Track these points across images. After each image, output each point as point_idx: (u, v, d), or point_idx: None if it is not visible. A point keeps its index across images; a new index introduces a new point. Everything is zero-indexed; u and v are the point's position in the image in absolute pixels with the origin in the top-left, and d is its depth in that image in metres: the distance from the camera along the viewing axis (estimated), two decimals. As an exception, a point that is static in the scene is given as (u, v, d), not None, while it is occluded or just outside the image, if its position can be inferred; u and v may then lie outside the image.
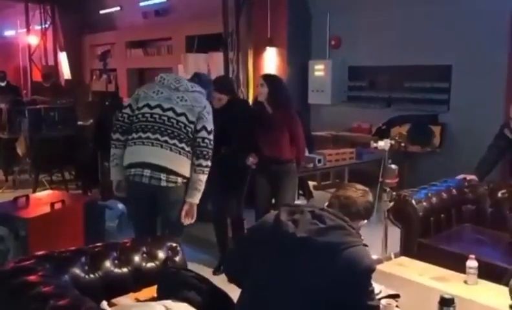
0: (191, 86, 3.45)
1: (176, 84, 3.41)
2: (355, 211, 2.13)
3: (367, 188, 2.25)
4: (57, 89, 9.92)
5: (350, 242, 1.92)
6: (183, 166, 3.32)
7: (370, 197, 2.22)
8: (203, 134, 3.34)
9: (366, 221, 2.19)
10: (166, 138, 3.29)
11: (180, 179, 3.32)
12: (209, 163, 3.38)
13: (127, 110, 3.44)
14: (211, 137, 3.38)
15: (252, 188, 4.36)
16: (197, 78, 3.72)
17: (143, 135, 3.32)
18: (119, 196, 3.75)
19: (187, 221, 3.40)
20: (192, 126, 3.34)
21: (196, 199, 3.38)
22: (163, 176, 3.27)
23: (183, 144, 3.31)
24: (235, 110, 4.18)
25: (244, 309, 2.03)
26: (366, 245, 1.99)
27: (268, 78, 4.33)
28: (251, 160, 4.17)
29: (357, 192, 2.19)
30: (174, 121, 3.32)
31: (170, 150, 3.28)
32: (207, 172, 3.38)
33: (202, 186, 3.38)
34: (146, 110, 3.36)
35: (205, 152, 3.34)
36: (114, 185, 3.55)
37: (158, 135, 3.29)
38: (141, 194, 3.38)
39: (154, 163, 3.28)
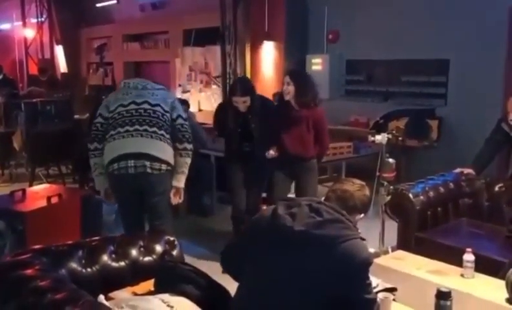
0: (157, 85, 3.60)
1: (143, 84, 3.54)
2: (352, 205, 2.13)
3: (364, 183, 2.26)
4: (53, 83, 9.90)
5: (347, 235, 1.92)
6: (165, 152, 3.38)
7: (367, 192, 2.23)
8: (180, 120, 3.48)
9: (363, 215, 2.19)
10: (145, 127, 3.35)
11: (164, 166, 3.36)
12: (192, 146, 3.50)
13: (99, 119, 3.47)
14: (187, 122, 3.54)
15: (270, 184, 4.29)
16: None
17: (122, 130, 3.35)
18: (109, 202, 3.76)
19: (175, 201, 3.50)
20: (168, 115, 3.44)
21: (181, 183, 3.49)
22: (147, 163, 3.31)
23: (162, 132, 3.39)
24: (256, 106, 4.08)
25: (242, 303, 2.03)
26: (363, 239, 2.00)
27: (294, 75, 4.07)
28: (271, 153, 4.02)
29: (354, 186, 2.20)
30: (151, 111, 3.40)
31: (151, 137, 3.35)
32: (191, 155, 3.49)
33: (186, 170, 3.48)
34: (120, 109, 3.42)
35: (187, 136, 3.47)
36: (102, 193, 3.57)
37: (137, 126, 3.35)
38: (129, 187, 3.40)
39: (137, 152, 3.32)
